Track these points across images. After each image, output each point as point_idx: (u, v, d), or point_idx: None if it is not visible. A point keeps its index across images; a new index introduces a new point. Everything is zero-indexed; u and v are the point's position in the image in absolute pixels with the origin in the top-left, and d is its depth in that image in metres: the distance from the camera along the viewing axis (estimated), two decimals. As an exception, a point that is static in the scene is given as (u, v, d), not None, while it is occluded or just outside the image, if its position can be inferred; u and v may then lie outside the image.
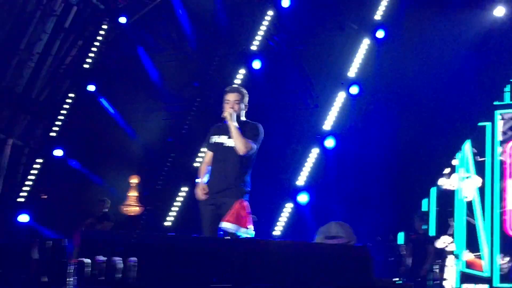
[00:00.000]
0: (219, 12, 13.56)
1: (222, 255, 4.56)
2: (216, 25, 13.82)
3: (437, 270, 11.87)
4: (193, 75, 14.13)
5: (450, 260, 12.84)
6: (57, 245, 4.33)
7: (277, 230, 12.48)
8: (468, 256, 14.24)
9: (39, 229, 12.48)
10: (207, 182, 6.25)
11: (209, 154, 6.37)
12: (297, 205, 12.58)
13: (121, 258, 3.95)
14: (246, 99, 6.31)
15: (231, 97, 6.22)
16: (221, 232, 5.83)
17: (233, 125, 6.09)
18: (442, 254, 12.46)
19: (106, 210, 12.42)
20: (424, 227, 12.59)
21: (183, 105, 14.29)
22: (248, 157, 6.13)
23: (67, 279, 4.01)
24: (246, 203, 5.92)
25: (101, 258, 3.89)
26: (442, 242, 13.67)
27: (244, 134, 6.11)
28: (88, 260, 3.91)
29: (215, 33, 13.93)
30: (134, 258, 3.95)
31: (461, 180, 14.55)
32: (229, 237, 5.68)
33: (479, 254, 14.17)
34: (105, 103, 13.57)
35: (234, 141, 6.07)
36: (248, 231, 5.77)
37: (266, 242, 5.53)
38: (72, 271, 4.00)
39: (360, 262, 4.63)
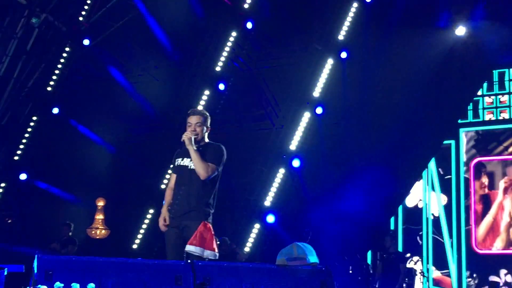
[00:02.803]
0: (184, 34, 13.58)
1: (186, 279, 4.51)
2: (181, 47, 13.83)
3: None
4: (159, 97, 14.07)
5: (418, 278, 12.87)
6: (14, 272, 4.24)
7: (245, 251, 12.43)
8: (436, 273, 14.30)
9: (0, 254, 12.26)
10: (171, 205, 6.19)
11: (174, 176, 6.33)
12: (265, 226, 12.56)
13: (78, 284, 3.87)
14: (209, 121, 6.28)
15: (193, 119, 6.19)
16: (185, 255, 5.76)
17: (192, 149, 6.04)
18: (410, 273, 12.47)
19: (71, 234, 12.26)
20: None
21: (149, 127, 14.23)
22: (211, 179, 6.09)
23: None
24: (210, 225, 5.87)
25: (59, 284, 3.81)
26: (411, 260, 13.71)
27: (207, 156, 6.06)
28: (45, 287, 3.83)
29: (180, 55, 13.92)
30: (93, 284, 3.88)
31: (425, 195, 14.66)
32: (193, 260, 5.61)
33: (447, 272, 14.23)
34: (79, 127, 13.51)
35: (194, 165, 6.03)
36: (213, 253, 5.71)
37: (230, 264, 5.50)
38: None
39: (322, 283, 4.60)
